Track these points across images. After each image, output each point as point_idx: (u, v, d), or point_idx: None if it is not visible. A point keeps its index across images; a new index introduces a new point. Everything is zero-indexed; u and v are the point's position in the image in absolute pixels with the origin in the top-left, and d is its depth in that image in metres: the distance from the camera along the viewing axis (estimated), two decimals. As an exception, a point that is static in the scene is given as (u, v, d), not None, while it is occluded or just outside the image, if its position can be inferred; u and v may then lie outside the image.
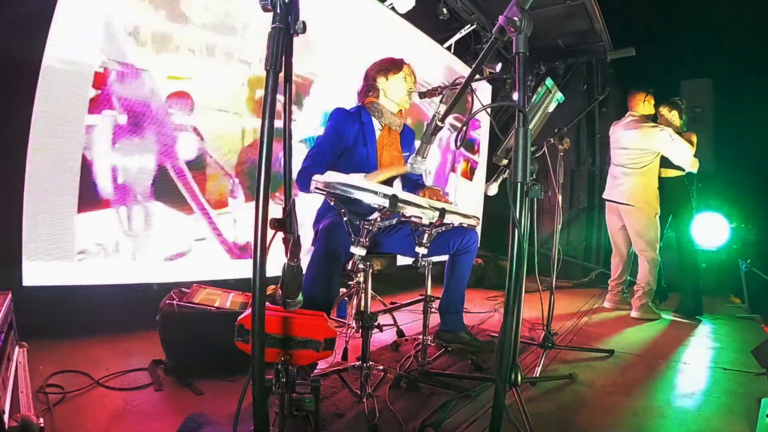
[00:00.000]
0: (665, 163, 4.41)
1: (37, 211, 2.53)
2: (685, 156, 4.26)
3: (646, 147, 4.33)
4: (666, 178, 4.48)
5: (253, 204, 1.20)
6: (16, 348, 1.99)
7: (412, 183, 2.86)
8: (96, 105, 2.70)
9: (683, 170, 4.41)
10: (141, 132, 2.89)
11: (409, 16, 4.99)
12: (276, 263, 1.39)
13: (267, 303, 1.32)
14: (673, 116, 4.44)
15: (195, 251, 3.19)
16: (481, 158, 6.88)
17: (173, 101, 3.04)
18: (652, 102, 4.45)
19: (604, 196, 4.65)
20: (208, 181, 3.24)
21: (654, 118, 4.49)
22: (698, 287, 4.38)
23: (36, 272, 2.54)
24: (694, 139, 4.34)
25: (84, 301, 2.71)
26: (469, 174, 6.57)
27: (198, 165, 3.19)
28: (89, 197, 2.70)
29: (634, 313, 4.31)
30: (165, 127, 3.01)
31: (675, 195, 4.47)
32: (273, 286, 2.25)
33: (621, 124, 4.54)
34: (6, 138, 2.45)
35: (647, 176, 4.39)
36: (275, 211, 1.28)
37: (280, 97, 1.27)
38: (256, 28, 3.43)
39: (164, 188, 3.02)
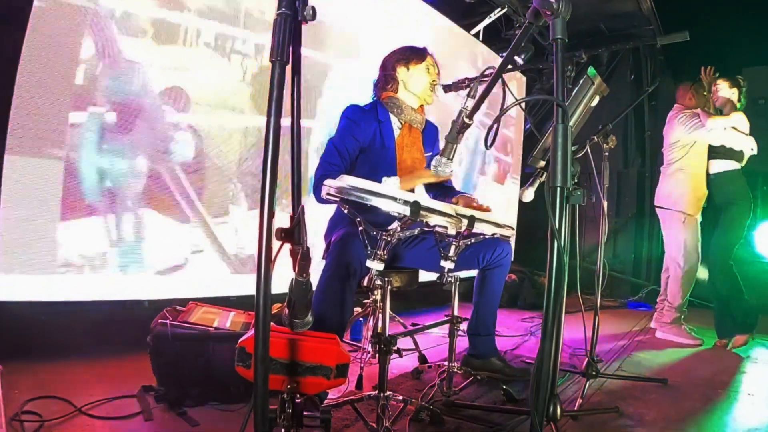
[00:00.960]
0: (711, 155, 4.31)
1: (15, 219, 2.57)
2: (715, 123, 4.10)
3: (675, 140, 4.35)
4: (716, 175, 4.32)
5: (256, 212, 1.20)
6: (-10, 371, 2.01)
7: (442, 188, 2.86)
8: (81, 101, 2.74)
9: (739, 161, 4.27)
10: (131, 131, 2.93)
11: (432, 0, 5.01)
12: (282, 279, 1.40)
13: (272, 323, 1.33)
14: (733, 94, 4.31)
15: (191, 264, 3.22)
16: (515, 159, 6.86)
17: (167, 97, 3.08)
18: (702, 90, 4.35)
19: None
20: (207, 186, 3.27)
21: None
22: (740, 299, 4.15)
23: (12, 286, 2.57)
24: (736, 115, 4.14)
25: (66, 318, 2.74)
26: (501, 177, 6.55)
27: (195, 168, 3.22)
28: (73, 204, 2.74)
29: (658, 333, 4.40)
30: (158, 125, 3.04)
31: (726, 190, 4.28)
32: (279, 305, 2.25)
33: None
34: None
35: (679, 174, 4.37)
36: (282, 219, 1.29)
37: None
38: (260, 15, 3.47)
39: (157, 194, 3.05)
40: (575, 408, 2.44)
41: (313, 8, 1.29)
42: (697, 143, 4.28)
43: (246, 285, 3.39)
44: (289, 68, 1.28)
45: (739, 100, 4.30)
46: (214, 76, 3.28)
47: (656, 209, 4.56)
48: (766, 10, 5.92)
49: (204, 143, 3.25)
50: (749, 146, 4.19)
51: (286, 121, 1.23)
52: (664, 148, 4.53)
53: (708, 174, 4.36)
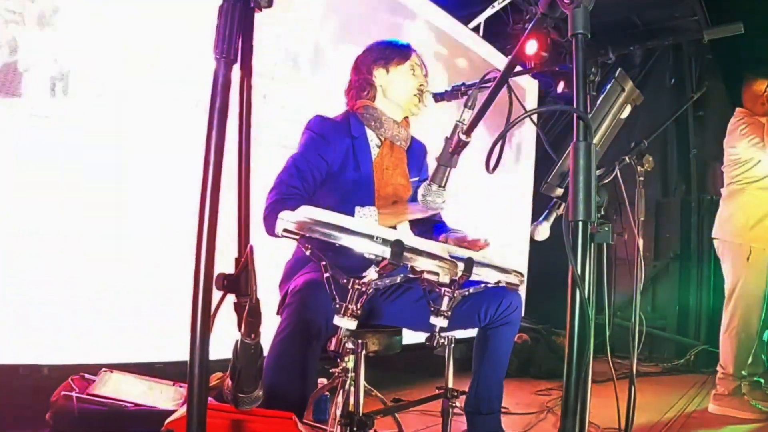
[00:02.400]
0: None
1: None
2: None
3: (735, 155, 4.33)
4: None
5: (193, 248, 1.20)
6: None
7: (429, 224, 2.87)
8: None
9: None
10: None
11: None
12: (225, 340, 1.39)
13: (210, 399, 1.31)
14: None
15: (104, 318, 3.18)
16: (524, 183, 6.92)
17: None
18: None
19: None
20: (129, 205, 3.29)
21: None
22: None
23: None
24: None
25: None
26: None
27: (113, 179, 3.24)
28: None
29: (711, 407, 4.32)
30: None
31: None
32: (219, 375, 2.23)
33: None
34: None
35: (740, 195, 4.34)
36: (224, 262, 1.28)
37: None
38: None
39: (60, 216, 3.04)
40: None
41: (270, -8, 1.30)
42: (762, 162, 4.26)
43: (176, 348, 3.35)
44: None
45: None
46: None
47: (714, 242, 4.49)
48: None
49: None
50: None
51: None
52: (724, 164, 4.51)
53: None
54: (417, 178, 2.80)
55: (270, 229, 2.33)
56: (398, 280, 1.97)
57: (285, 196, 2.44)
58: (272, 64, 4.02)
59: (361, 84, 2.74)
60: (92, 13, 3.09)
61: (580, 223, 1.39)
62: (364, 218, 2.50)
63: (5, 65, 2.84)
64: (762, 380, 4.39)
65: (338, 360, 2.30)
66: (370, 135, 2.71)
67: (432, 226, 2.88)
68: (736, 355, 4.25)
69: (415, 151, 2.86)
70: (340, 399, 2.71)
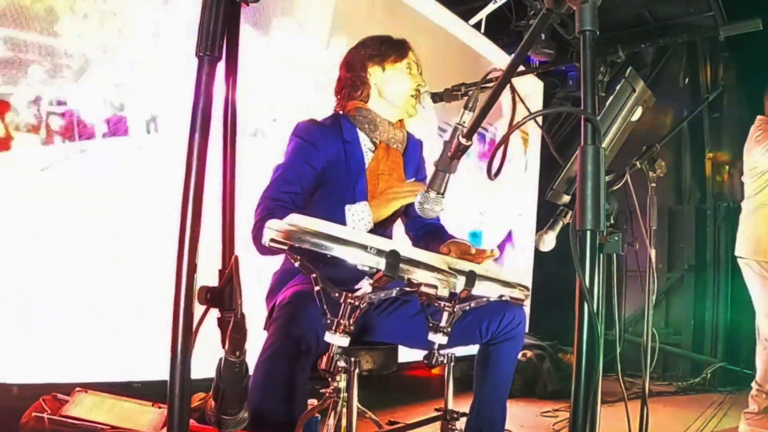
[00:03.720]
0: None
1: None
2: None
3: (753, 165, 4.36)
4: None
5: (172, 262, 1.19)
6: None
7: (425, 228, 2.86)
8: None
9: None
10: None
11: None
12: (208, 357, 1.38)
13: (192, 421, 1.31)
14: None
15: (78, 333, 3.17)
16: (528, 189, 6.92)
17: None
18: None
19: None
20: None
21: None
22: None
23: None
24: None
25: None
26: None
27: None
28: None
29: (743, 426, 4.29)
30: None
31: None
32: (202, 395, 2.22)
33: None
34: None
35: (763, 210, 4.35)
36: (207, 275, 1.28)
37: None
38: None
39: (29, 221, 3.03)
40: None
41: (257, -13, 1.30)
42: None
43: (155, 366, 3.34)
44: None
45: None
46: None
47: (738, 261, 4.50)
48: None
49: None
50: None
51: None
52: (744, 174, 4.54)
53: None
54: (414, 180, 2.78)
55: (260, 249, 2.32)
56: (394, 294, 1.97)
57: (274, 211, 2.41)
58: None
59: (354, 82, 2.71)
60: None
61: (589, 233, 1.39)
62: (357, 216, 2.48)
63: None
64: None
65: (329, 379, 2.29)
66: (363, 139, 2.69)
67: (432, 230, 2.87)
68: None
69: (412, 150, 2.83)
70: (331, 422, 2.70)
